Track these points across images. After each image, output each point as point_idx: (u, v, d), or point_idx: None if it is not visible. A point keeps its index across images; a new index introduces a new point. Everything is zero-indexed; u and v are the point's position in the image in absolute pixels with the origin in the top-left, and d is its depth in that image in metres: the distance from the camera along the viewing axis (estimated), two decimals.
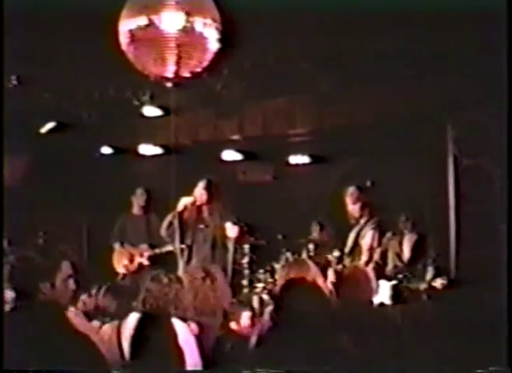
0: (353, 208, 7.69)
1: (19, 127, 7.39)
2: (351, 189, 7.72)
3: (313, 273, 7.18)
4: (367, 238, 7.49)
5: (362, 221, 7.62)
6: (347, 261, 7.45)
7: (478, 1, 5.66)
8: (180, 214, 7.47)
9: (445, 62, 6.74)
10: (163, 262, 7.73)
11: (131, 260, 8.02)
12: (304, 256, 7.50)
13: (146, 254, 7.97)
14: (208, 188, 7.49)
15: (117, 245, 8.11)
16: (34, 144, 8.26)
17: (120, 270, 7.97)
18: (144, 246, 8.01)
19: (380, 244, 7.47)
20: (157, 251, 7.89)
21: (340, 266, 7.30)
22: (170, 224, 7.51)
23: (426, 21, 6.15)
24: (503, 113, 6.33)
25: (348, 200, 7.72)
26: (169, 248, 7.65)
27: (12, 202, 6.47)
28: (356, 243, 7.55)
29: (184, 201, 7.48)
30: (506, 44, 5.81)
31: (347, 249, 7.56)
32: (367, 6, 5.84)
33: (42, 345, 5.37)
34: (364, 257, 7.42)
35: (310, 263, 7.27)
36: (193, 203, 7.48)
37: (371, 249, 7.42)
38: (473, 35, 6.18)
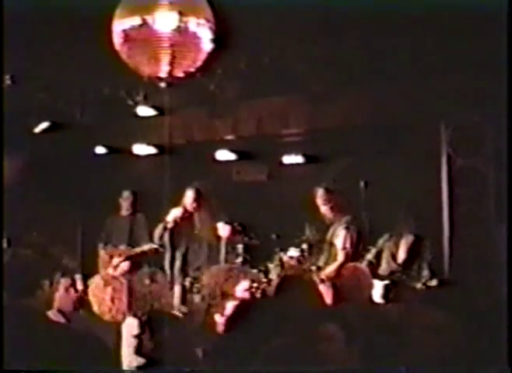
0: (325, 210, 7.66)
1: (13, 127, 7.38)
2: (320, 192, 7.68)
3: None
4: (340, 237, 7.43)
5: (336, 221, 7.58)
6: (321, 262, 7.44)
7: (477, 0, 5.66)
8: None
9: (439, 62, 6.75)
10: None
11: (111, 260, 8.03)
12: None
13: (124, 254, 7.97)
14: (197, 196, 7.55)
15: (101, 246, 8.12)
16: (28, 143, 8.23)
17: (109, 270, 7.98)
18: (122, 247, 8.02)
19: (353, 244, 7.40)
20: (137, 250, 7.91)
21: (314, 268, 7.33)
22: (162, 235, 7.57)
23: (421, 21, 6.15)
24: (498, 113, 6.35)
25: (319, 202, 7.68)
26: (145, 247, 7.70)
27: (5, 201, 6.46)
28: (331, 243, 7.51)
29: (174, 214, 7.53)
30: (504, 44, 5.82)
31: (325, 251, 7.52)
32: (361, 6, 5.84)
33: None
34: (340, 257, 7.38)
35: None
36: (183, 214, 7.53)
37: (345, 249, 7.38)
38: (468, 35, 6.18)
